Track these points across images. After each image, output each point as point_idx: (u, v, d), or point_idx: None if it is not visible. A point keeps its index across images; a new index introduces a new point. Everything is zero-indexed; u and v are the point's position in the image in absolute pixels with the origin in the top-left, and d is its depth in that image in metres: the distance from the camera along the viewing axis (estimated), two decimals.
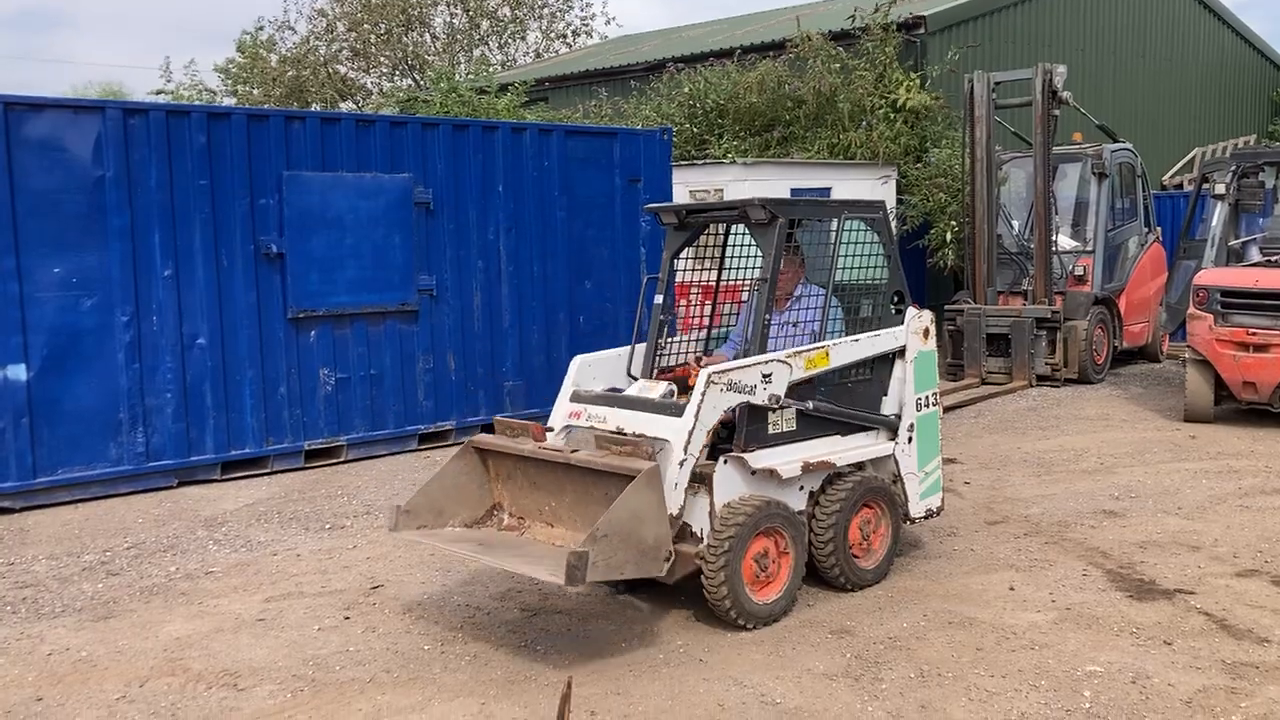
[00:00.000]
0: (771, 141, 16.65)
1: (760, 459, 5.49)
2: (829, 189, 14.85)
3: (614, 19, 35.22)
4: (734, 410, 5.42)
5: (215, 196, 8.72)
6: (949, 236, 14.75)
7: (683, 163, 14.70)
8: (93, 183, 8.21)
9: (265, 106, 23.03)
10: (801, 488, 5.75)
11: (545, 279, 10.56)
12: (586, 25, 31.12)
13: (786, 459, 5.60)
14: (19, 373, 7.92)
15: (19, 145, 7.89)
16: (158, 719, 4.57)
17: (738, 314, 6.65)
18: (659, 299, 6.29)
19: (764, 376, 5.48)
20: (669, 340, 6.39)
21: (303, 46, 27.43)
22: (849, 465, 5.88)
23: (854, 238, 6.08)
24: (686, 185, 13.90)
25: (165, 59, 39.59)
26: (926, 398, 6.25)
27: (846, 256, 6.05)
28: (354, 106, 26.57)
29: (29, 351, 7.96)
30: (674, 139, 13.38)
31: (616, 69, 21.37)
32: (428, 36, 28.62)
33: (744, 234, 6.32)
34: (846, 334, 5.99)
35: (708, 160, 15.40)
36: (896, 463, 6.14)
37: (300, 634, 5.50)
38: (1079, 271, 13.45)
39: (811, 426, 5.75)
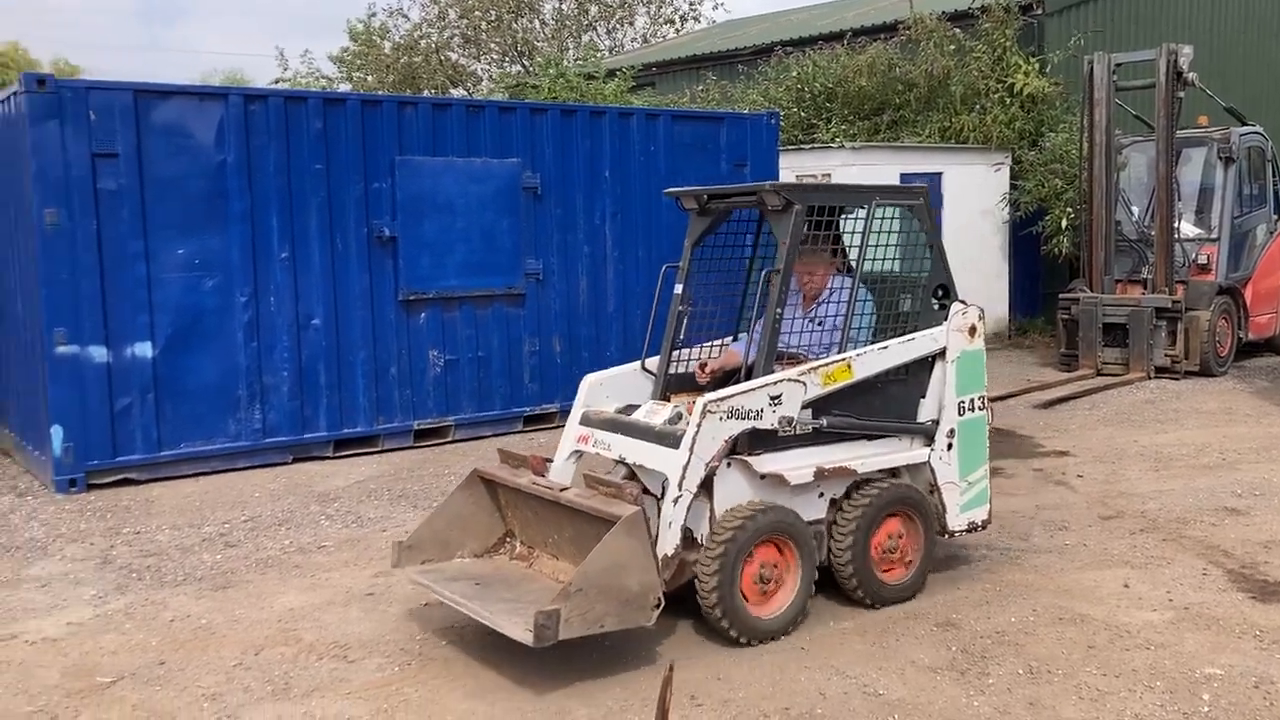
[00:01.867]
0: (880, 126, 16.38)
1: (767, 463, 5.15)
2: (939, 174, 14.57)
3: (722, 3, 34.99)
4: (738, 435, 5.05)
5: (330, 181, 8.95)
6: (1064, 223, 14.32)
7: (790, 147, 14.56)
8: (215, 167, 8.49)
9: (379, 92, 23.52)
10: (821, 494, 5.38)
11: (650, 264, 10.58)
12: (694, 10, 31.02)
13: (798, 464, 5.21)
14: (145, 350, 8.25)
15: (147, 132, 8.19)
16: (272, 687, 4.73)
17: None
18: (678, 289, 5.88)
19: (772, 399, 5.09)
20: (685, 335, 5.92)
21: (415, 33, 27.92)
22: (879, 471, 5.49)
23: (891, 226, 5.61)
24: (793, 170, 13.77)
25: (279, 48, 40.73)
26: (971, 401, 5.72)
27: (881, 247, 5.59)
28: (464, 93, 26.96)
29: (154, 330, 8.29)
30: (781, 123, 13.24)
31: (724, 53, 21.24)
32: (537, 22, 28.87)
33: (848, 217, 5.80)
34: (882, 333, 5.52)
35: (815, 145, 15.23)
36: (933, 471, 5.64)
37: (407, 609, 5.62)
38: (1202, 260, 12.92)
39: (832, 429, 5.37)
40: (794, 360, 5.40)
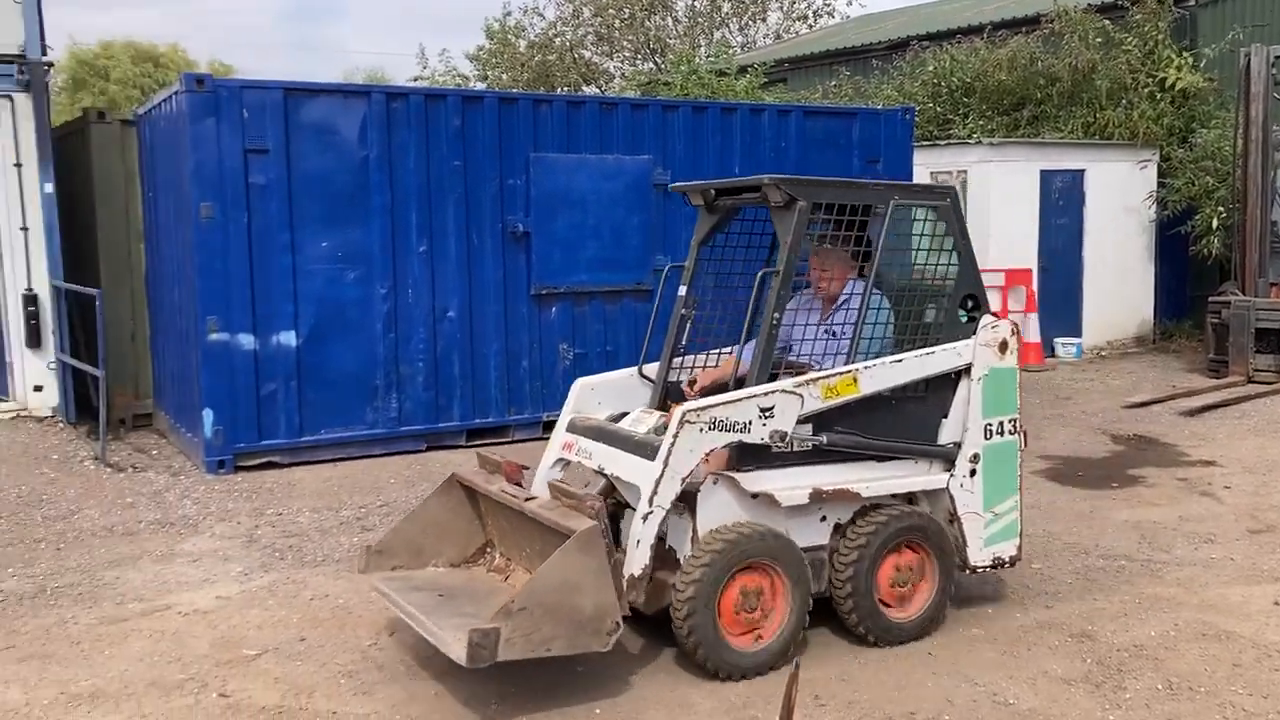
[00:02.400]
0: (1020, 121, 15.92)
1: (758, 481, 4.74)
2: (1082, 171, 14.10)
3: None
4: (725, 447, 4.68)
5: (467, 177, 9.16)
6: (1215, 223, 13.67)
7: (924, 143, 14.28)
8: (358, 163, 8.78)
9: (515, 90, 23.96)
10: (823, 518, 4.95)
11: None
12: (828, 5, 30.66)
13: (793, 484, 4.78)
14: (290, 339, 8.59)
15: (295, 128, 8.52)
16: (405, 669, 4.88)
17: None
18: (682, 290, 5.47)
19: (763, 411, 4.66)
20: (689, 341, 5.53)
21: (549, 31, 28.33)
22: (891, 496, 5.04)
23: (916, 229, 5.15)
24: (928, 167, 13.51)
25: (420, 46, 41.84)
26: (1001, 424, 5.19)
27: (903, 252, 5.22)
28: (597, 90, 27.24)
29: (299, 320, 8.62)
30: (916, 119, 13.00)
31: (858, 48, 20.95)
32: (670, 20, 28.95)
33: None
34: (902, 345, 5.06)
35: (951, 141, 14.89)
36: (952, 499, 5.12)
37: None
38: None
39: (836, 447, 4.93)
40: (803, 371, 4.98)
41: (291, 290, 8.57)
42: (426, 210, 9.03)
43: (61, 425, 9.31)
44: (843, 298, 5.32)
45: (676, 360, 5.52)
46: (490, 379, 9.39)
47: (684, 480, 4.55)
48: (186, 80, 8.28)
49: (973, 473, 5.15)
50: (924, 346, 5.06)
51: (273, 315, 8.51)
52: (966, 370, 5.14)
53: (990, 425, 5.18)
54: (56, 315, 9.46)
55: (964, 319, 5.21)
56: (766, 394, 4.69)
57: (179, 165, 8.59)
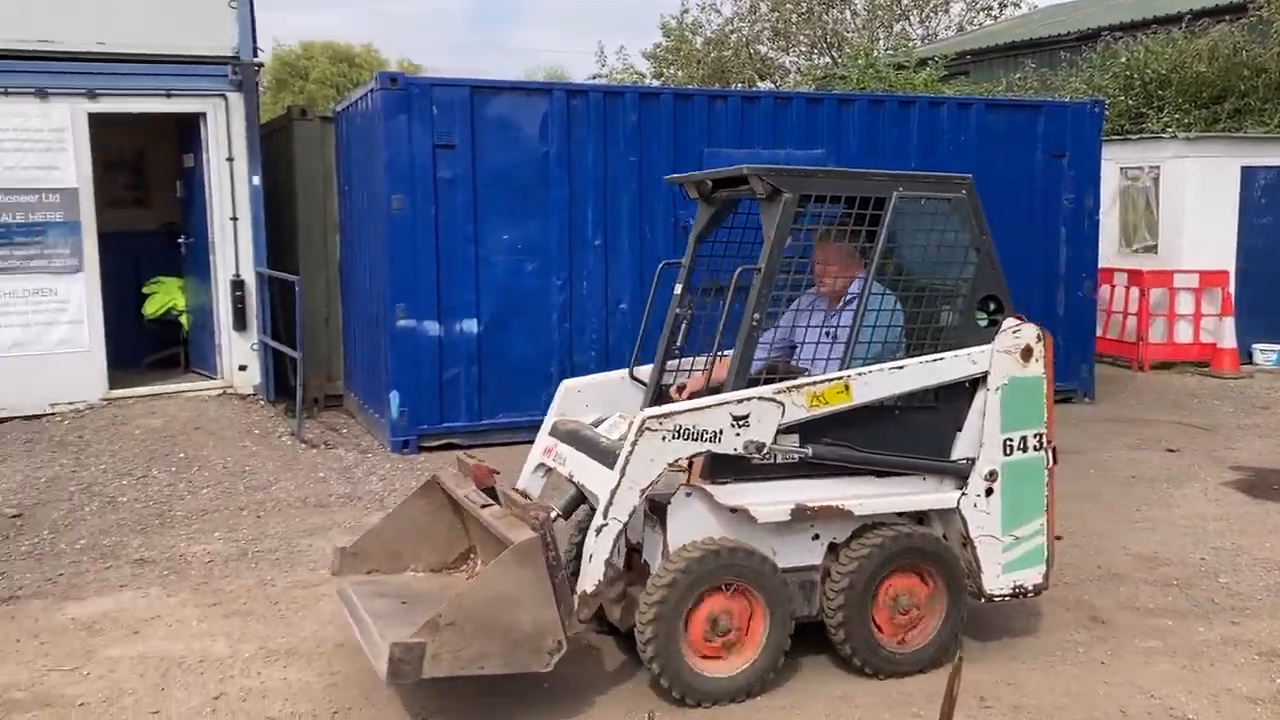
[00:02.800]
0: (1220, 115, 15.10)
1: (735, 494, 4.41)
2: None
3: None
4: (692, 459, 4.37)
5: (642, 172, 9.32)
6: None
7: (1115, 138, 13.70)
8: (539, 158, 9.06)
9: (690, 86, 24.14)
10: (816, 536, 4.60)
11: None
12: None
13: (774, 498, 4.44)
14: (471, 326, 8.95)
15: (481, 125, 8.86)
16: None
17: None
18: (678, 289, 5.11)
19: (737, 420, 4.31)
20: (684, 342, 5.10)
21: (725, 28, 28.39)
22: (895, 515, 4.66)
23: (929, 224, 4.69)
24: (1117, 162, 12.98)
25: (600, 44, 42.53)
26: (1024, 439, 4.73)
27: (913, 248, 4.78)
28: (772, 85, 27.15)
29: (480, 308, 8.97)
30: (1106, 112, 12.51)
31: (1044, 40, 20.25)
32: (848, 13, 28.58)
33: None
34: (911, 349, 4.67)
35: (1144, 135, 14.25)
36: (964, 520, 4.69)
37: None
38: None
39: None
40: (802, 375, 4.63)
41: (474, 280, 8.92)
42: (602, 205, 9.24)
43: (262, 403, 9.95)
44: (847, 297, 4.90)
45: (672, 363, 5.16)
46: None
47: (644, 492, 4.24)
48: (381, 79, 8.72)
49: (989, 492, 4.70)
50: (935, 352, 4.66)
51: (456, 304, 8.88)
52: (983, 378, 4.71)
53: (1010, 440, 4.72)
54: (260, 300, 10.11)
55: (984, 323, 4.78)
56: (740, 401, 4.33)
57: (373, 160, 9.06)
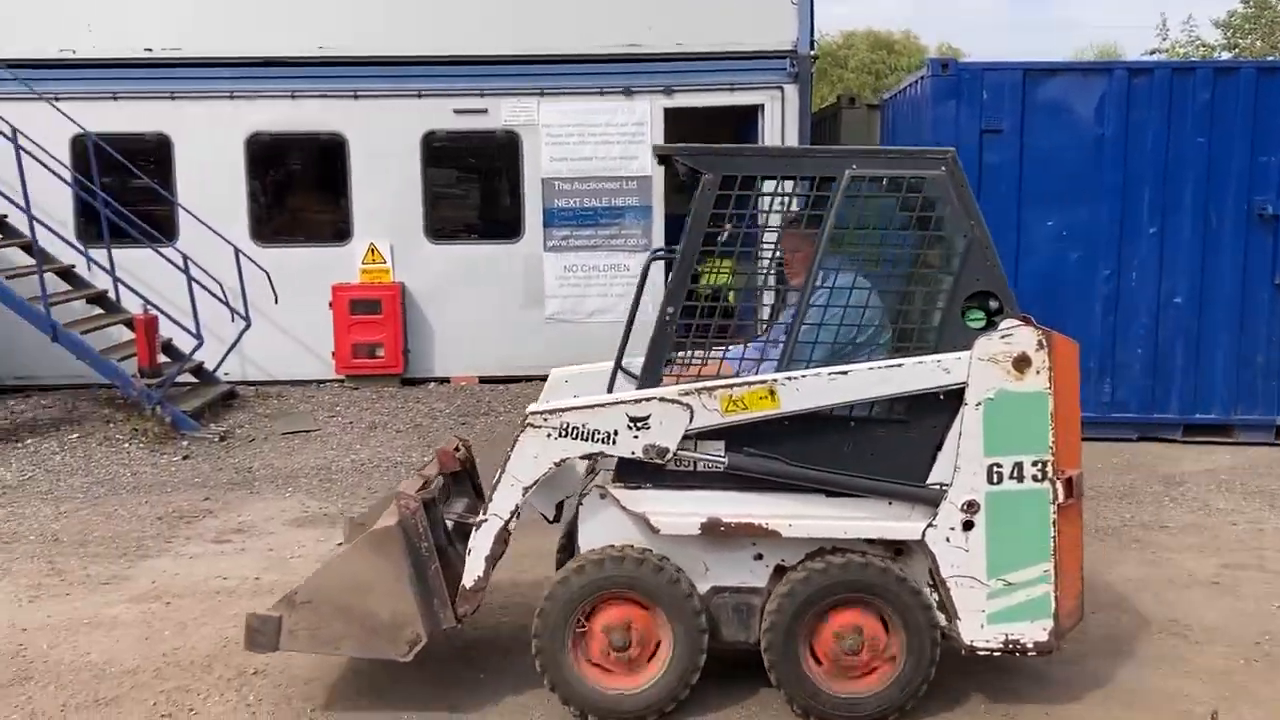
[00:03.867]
0: None
1: (643, 500, 4.12)
2: None
3: None
4: (588, 458, 4.19)
5: (1210, 154, 8.56)
6: None
7: None
8: (1091, 142, 8.65)
9: (1275, 59, 21.47)
10: (760, 557, 4.16)
11: None
12: None
13: (686, 509, 4.08)
14: None
15: (1030, 108, 8.64)
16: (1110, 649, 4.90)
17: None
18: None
19: (634, 421, 4.00)
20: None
21: None
22: (858, 539, 4.07)
23: (903, 208, 4.10)
24: None
25: (1162, 16, 39.05)
26: (1018, 466, 3.98)
27: (879, 233, 4.17)
28: None
29: (1018, 298, 8.75)
30: None
31: None
32: None
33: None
34: (882, 351, 4.11)
35: None
36: (933, 557, 4.02)
37: (1257, 605, 5.35)
38: None
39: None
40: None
41: (1014, 268, 8.73)
42: (1160, 190, 8.62)
43: None
44: (817, 281, 4.16)
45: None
46: (1217, 373, 8.73)
47: (527, 489, 4.11)
48: (932, 66, 8.82)
49: (968, 525, 4.01)
50: (916, 355, 4.04)
51: None
52: (960, 391, 4.00)
53: (999, 466, 3.99)
54: None
55: (980, 323, 4.05)
56: (639, 401, 4.02)
57: (918, 145, 9.20)
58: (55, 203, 10.02)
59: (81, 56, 10.64)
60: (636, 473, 4.15)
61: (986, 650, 4.09)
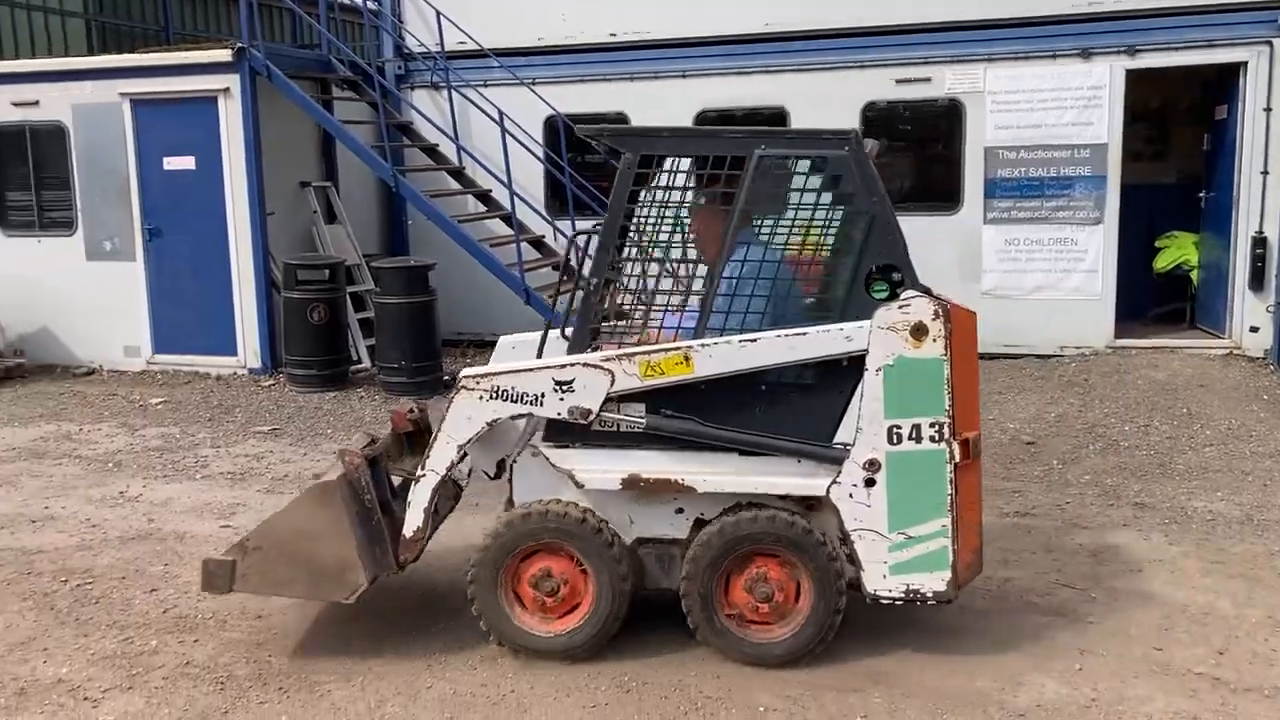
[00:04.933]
0: None
1: (569, 459, 4.50)
2: None
3: None
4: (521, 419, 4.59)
5: None
6: None
7: None
8: None
9: None
10: (680, 510, 4.53)
11: None
12: None
13: (609, 466, 4.44)
14: None
15: None
16: None
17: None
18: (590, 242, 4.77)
19: (559, 385, 4.37)
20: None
21: None
22: (770, 495, 4.39)
23: (807, 186, 4.35)
24: None
25: None
26: (916, 428, 4.24)
27: (785, 212, 4.40)
28: None
29: None
30: None
31: None
32: None
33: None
34: (783, 321, 4.38)
35: None
36: (839, 512, 4.30)
37: None
38: None
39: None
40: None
41: None
42: None
43: (1272, 368, 9.43)
44: (732, 258, 4.51)
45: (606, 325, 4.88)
46: None
47: (461, 447, 4.50)
48: None
49: (869, 482, 4.32)
50: (813, 325, 4.34)
51: None
52: (861, 358, 4.29)
53: (898, 428, 4.29)
54: None
55: (884, 294, 4.33)
56: (564, 366, 4.37)
57: None
58: (530, 178, 11.12)
59: (554, 44, 11.68)
60: (565, 433, 4.50)
61: (889, 599, 4.37)
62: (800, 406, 4.40)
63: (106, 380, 10.89)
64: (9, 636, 4.91)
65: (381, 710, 4.21)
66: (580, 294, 4.55)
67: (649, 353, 4.33)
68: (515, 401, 4.43)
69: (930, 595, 4.34)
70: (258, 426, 8.79)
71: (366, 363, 10.60)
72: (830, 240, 4.44)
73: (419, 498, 4.57)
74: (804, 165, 4.42)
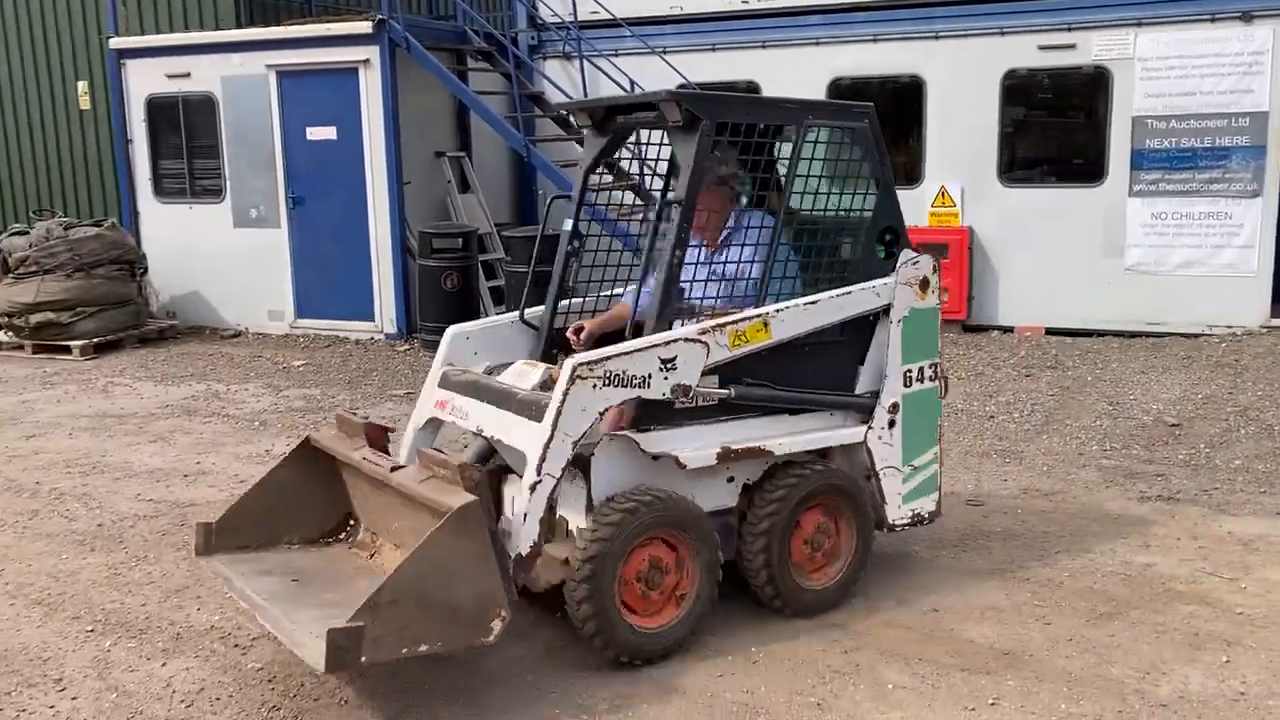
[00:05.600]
0: None
1: (659, 441, 4.24)
2: None
3: None
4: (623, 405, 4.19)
5: None
6: None
7: None
8: None
9: None
10: (731, 479, 4.47)
11: None
12: None
13: (698, 443, 4.31)
14: None
15: None
16: None
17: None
18: (568, 224, 4.88)
19: (664, 363, 4.18)
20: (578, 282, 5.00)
21: None
22: (805, 453, 4.55)
23: (827, 153, 4.59)
24: None
25: None
26: (921, 370, 4.79)
27: (813, 178, 4.61)
28: None
29: None
30: None
31: None
32: None
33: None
34: (813, 285, 4.60)
35: None
36: (870, 454, 4.69)
37: None
38: None
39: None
40: (695, 317, 4.47)
41: None
42: None
43: None
44: (726, 232, 4.79)
45: (563, 304, 5.00)
46: None
47: (576, 444, 4.05)
48: None
49: (891, 424, 4.72)
50: (839, 286, 4.62)
51: None
52: (885, 311, 4.70)
53: (910, 372, 4.76)
54: None
55: (882, 255, 4.74)
56: (668, 343, 4.22)
57: None
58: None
59: (687, 12, 11.61)
60: (650, 416, 4.29)
61: (901, 526, 4.85)
62: (831, 362, 4.69)
63: (252, 342, 11.37)
64: (166, 584, 5.19)
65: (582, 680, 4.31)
66: (662, 268, 4.33)
67: (736, 323, 4.36)
68: (625, 386, 4.16)
69: (927, 516, 4.94)
70: (394, 390, 9.05)
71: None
72: (854, 204, 4.78)
73: (535, 508, 3.99)
74: (837, 135, 4.70)
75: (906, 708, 3.92)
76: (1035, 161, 11.14)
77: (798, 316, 4.50)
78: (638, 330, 4.42)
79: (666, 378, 4.22)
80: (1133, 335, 9.98)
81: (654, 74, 11.11)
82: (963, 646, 4.36)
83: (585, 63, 11.62)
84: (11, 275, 11.05)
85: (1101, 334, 10.11)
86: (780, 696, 3.99)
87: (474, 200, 11.79)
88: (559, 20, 11.99)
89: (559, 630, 4.43)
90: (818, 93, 11.09)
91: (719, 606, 4.41)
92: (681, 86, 11.22)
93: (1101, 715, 3.83)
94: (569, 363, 4.09)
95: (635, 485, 4.21)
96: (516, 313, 5.02)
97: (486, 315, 10.79)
